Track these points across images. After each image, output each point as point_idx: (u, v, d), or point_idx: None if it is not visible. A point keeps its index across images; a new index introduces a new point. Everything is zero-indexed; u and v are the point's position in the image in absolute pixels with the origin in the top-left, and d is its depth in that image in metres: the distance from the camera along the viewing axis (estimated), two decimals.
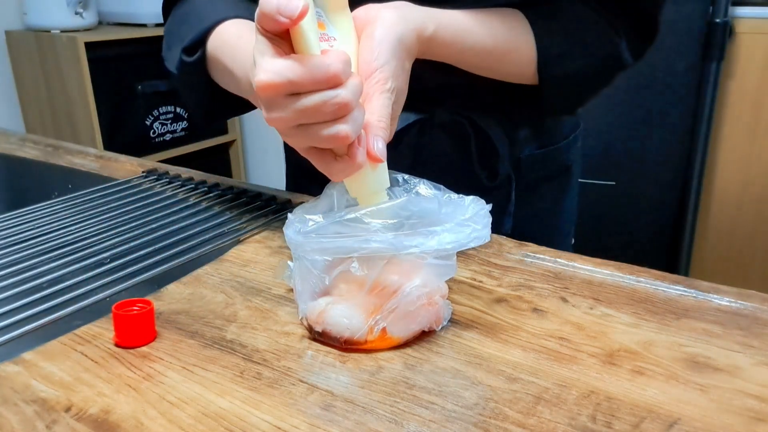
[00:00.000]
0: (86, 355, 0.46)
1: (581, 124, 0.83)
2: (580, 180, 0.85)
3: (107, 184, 0.82)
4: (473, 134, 0.70)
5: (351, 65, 0.44)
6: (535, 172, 0.75)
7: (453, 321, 0.50)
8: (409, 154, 0.71)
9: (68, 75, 1.97)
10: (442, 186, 0.52)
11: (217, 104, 0.69)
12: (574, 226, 0.87)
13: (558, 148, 0.77)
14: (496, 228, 0.72)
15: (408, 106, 0.65)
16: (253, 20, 0.63)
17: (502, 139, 0.70)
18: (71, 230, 0.69)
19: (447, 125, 0.70)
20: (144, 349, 0.47)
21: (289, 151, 0.87)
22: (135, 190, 0.81)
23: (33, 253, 0.63)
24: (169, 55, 0.69)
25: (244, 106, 0.67)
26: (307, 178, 0.83)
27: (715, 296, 0.52)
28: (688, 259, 1.84)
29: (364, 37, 0.50)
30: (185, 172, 0.86)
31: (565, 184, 0.80)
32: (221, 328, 0.49)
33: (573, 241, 0.88)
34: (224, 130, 2.41)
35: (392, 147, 0.71)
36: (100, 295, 0.55)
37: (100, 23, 2.13)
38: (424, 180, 0.52)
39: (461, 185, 0.72)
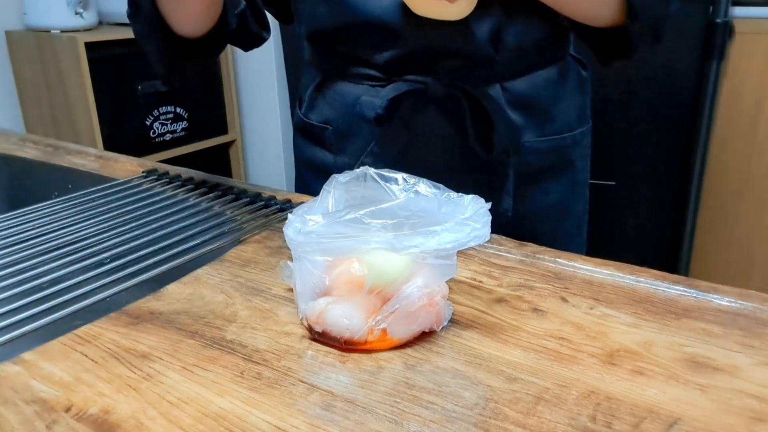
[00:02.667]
0: (86, 355, 0.46)
1: (589, 123, 0.82)
2: None
3: (107, 184, 0.82)
4: (468, 106, 0.70)
5: None
6: (536, 160, 0.75)
7: (453, 321, 0.50)
8: (404, 131, 0.71)
9: (68, 75, 1.97)
10: (441, 185, 0.52)
11: (176, 46, 0.70)
12: (585, 233, 0.87)
13: (561, 139, 0.76)
14: (495, 206, 0.73)
15: (402, 69, 0.65)
16: None
17: (498, 108, 0.70)
18: (71, 230, 0.69)
19: (441, 100, 0.70)
20: (144, 348, 0.47)
21: (296, 148, 0.87)
22: (135, 190, 0.81)
23: (33, 253, 0.63)
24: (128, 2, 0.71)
25: (204, 49, 0.69)
26: (311, 174, 0.83)
27: (715, 296, 0.52)
28: (688, 259, 1.83)
29: None
30: (185, 172, 0.86)
31: (570, 181, 0.80)
32: (221, 328, 0.49)
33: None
34: (224, 130, 2.41)
35: (386, 123, 0.71)
36: (100, 295, 0.55)
37: (100, 23, 2.13)
38: (424, 179, 0.52)
39: (458, 162, 0.72)
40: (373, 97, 0.71)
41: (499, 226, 0.72)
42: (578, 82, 0.79)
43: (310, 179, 0.83)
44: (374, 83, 0.72)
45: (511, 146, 0.72)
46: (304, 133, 0.84)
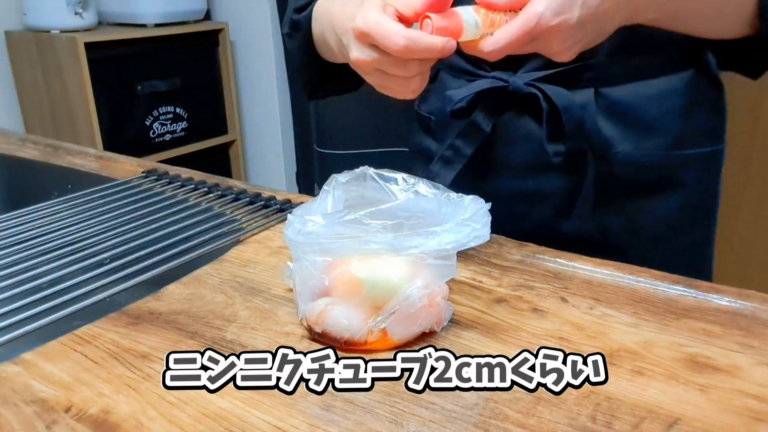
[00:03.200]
0: (86, 356, 0.46)
1: (718, 145, 0.72)
2: None
3: (107, 185, 0.82)
4: (546, 109, 0.66)
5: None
6: (632, 175, 0.69)
7: (453, 321, 0.50)
8: (484, 127, 0.69)
9: (68, 75, 1.97)
10: (441, 185, 0.52)
11: (326, 71, 0.74)
12: (704, 263, 0.77)
13: (664, 156, 0.69)
14: (571, 213, 0.69)
15: (492, 63, 0.67)
16: None
17: (572, 113, 0.66)
18: (71, 230, 0.69)
19: (523, 99, 0.68)
20: (144, 349, 0.47)
21: (411, 137, 0.87)
22: (135, 190, 0.81)
23: (33, 253, 0.63)
24: (284, 20, 0.76)
25: (351, 78, 0.70)
26: (422, 161, 0.82)
27: (714, 296, 0.52)
28: None
29: None
30: (185, 172, 0.86)
31: (680, 203, 0.71)
32: (221, 328, 0.49)
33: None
34: (224, 130, 2.41)
35: (465, 118, 0.72)
36: (100, 296, 0.55)
37: (99, 23, 2.13)
38: (423, 179, 0.52)
39: (539, 163, 0.70)
40: (454, 93, 0.71)
41: (578, 239, 0.68)
42: (705, 100, 0.71)
43: (418, 165, 0.82)
44: (469, 78, 0.72)
45: (592, 155, 0.68)
46: (418, 123, 0.84)
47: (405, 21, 0.52)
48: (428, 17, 0.50)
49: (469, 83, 0.71)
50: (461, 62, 0.73)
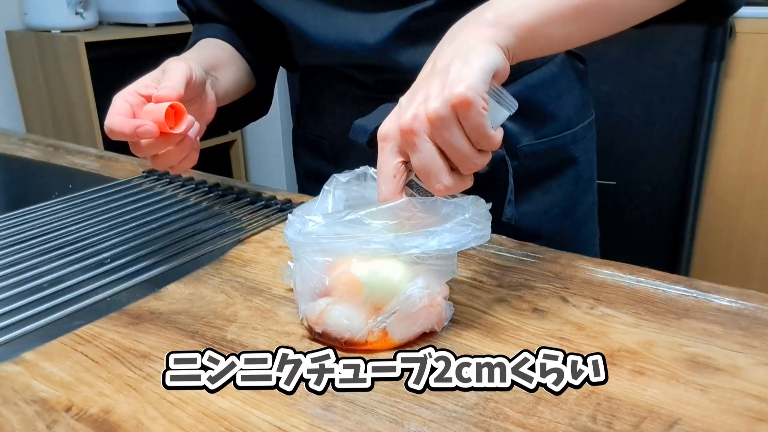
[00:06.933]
0: (86, 355, 0.46)
1: (592, 116, 0.81)
2: None
3: (107, 184, 0.82)
4: None
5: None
6: (534, 163, 0.74)
7: (453, 321, 0.50)
8: None
9: (68, 75, 1.97)
10: None
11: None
12: (596, 226, 0.85)
13: (560, 138, 0.75)
14: (497, 216, 0.72)
15: (392, 88, 0.65)
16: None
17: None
18: (71, 230, 0.69)
19: None
20: (144, 348, 0.47)
21: (297, 157, 0.87)
22: (135, 190, 0.81)
23: (33, 253, 0.63)
24: None
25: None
26: (313, 182, 0.83)
27: (715, 296, 0.52)
28: (688, 259, 1.83)
29: None
30: (186, 172, 0.86)
31: (574, 178, 0.78)
32: (222, 328, 0.49)
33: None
34: (224, 130, 2.41)
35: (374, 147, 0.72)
36: (100, 295, 0.55)
37: (100, 23, 2.13)
38: None
39: None
40: (366, 122, 0.69)
41: (500, 229, 0.71)
42: (575, 77, 0.78)
43: (312, 187, 0.83)
44: (366, 102, 0.71)
45: (507, 155, 0.72)
46: (303, 143, 0.84)
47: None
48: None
49: (374, 108, 0.67)
50: (354, 89, 0.73)
